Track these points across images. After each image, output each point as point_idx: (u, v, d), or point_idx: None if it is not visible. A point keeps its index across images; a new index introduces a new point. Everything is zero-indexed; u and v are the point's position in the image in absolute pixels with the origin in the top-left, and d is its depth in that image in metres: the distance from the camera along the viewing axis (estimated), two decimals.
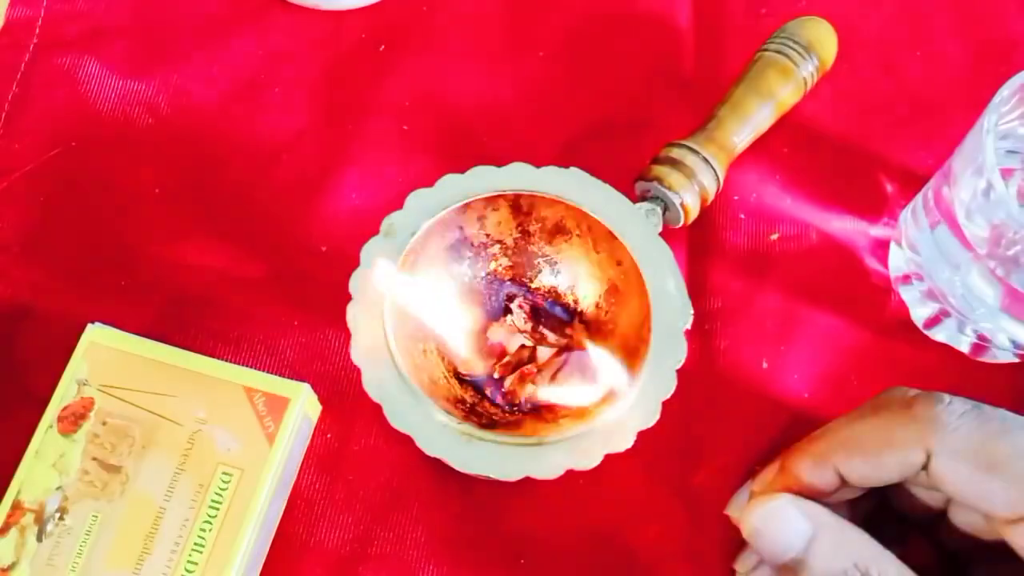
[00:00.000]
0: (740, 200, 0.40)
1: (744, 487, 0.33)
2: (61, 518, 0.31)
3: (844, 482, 0.29)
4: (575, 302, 0.36)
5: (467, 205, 0.34)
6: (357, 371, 0.31)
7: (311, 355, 0.37)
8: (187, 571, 0.30)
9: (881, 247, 0.40)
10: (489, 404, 0.34)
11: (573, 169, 0.35)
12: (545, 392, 0.34)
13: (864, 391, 0.33)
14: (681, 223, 0.37)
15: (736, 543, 0.33)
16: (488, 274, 0.36)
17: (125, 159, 0.41)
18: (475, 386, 0.35)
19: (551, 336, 0.35)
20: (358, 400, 0.36)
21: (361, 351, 0.31)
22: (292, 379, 0.33)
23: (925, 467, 0.27)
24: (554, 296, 0.36)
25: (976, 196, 0.33)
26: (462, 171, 0.34)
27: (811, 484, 0.29)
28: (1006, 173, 0.35)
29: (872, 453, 0.28)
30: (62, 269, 0.38)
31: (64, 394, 0.32)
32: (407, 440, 0.30)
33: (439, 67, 0.43)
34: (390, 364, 0.31)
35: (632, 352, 0.33)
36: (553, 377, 0.35)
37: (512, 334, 0.36)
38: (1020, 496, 0.26)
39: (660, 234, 0.34)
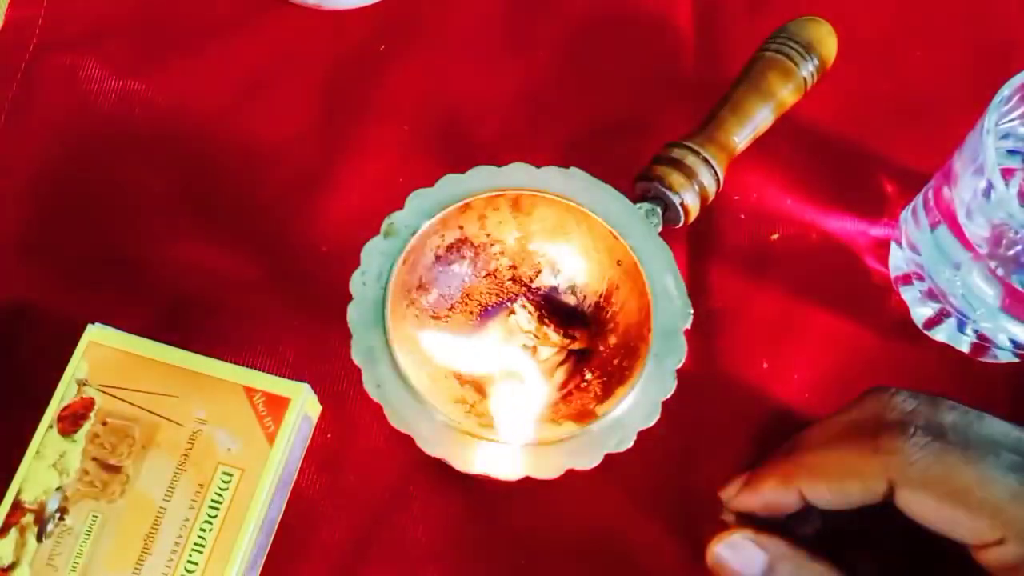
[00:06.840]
0: (740, 200, 0.40)
1: (732, 483, 0.33)
2: (61, 518, 0.31)
3: (807, 502, 0.30)
4: (575, 302, 0.36)
5: (467, 205, 0.34)
6: (357, 371, 0.31)
7: (311, 355, 0.37)
8: (187, 571, 0.30)
9: (881, 247, 0.40)
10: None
11: (573, 169, 0.35)
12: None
13: None
14: (681, 223, 0.37)
15: None
16: (489, 274, 0.36)
17: (125, 159, 0.40)
18: (475, 386, 0.35)
19: (554, 336, 0.35)
20: (358, 400, 0.36)
21: (361, 351, 0.31)
22: (292, 379, 0.33)
23: (889, 495, 0.28)
24: (554, 296, 0.36)
25: (977, 196, 0.33)
26: (462, 171, 0.34)
27: (775, 503, 0.30)
28: (1007, 173, 0.35)
29: (836, 481, 0.29)
30: (62, 269, 0.38)
31: (64, 394, 0.32)
32: (407, 440, 0.30)
33: (439, 67, 0.43)
34: (390, 364, 0.31)
35: (632, 352, 0.33)
36: (552, 375, 0.35)
37: (513, 333, 0.36)
38: (983, 524, 0.26)
39: (660, 234, 0.34)
